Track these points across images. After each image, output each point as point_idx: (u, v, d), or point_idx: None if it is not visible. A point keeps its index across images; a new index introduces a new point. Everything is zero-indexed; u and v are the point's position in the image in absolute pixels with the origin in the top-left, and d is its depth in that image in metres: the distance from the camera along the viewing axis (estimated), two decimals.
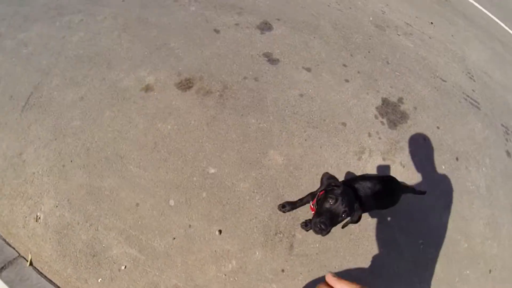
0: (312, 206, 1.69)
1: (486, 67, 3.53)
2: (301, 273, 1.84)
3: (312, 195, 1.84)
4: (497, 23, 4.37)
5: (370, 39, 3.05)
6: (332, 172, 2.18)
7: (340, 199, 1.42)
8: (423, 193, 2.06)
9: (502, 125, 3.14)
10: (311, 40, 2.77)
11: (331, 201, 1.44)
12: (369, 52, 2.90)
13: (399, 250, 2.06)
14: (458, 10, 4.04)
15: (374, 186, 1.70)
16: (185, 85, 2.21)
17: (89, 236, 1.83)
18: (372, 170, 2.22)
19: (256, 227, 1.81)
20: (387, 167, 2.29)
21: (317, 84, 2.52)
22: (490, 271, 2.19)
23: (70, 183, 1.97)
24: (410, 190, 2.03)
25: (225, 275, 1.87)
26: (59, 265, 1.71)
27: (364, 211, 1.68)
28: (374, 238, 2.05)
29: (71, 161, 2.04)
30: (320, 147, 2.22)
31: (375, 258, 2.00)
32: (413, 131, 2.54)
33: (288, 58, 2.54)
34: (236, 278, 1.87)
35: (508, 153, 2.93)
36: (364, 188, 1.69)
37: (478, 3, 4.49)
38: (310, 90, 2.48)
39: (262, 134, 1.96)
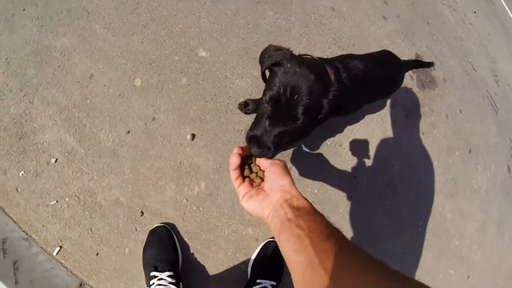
0: None
1: (511, 80, 2.96)
2: None
3: None
4: None
5: None
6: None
7: (287, 91, 0.64)
8: (431, 64, 1.54)
9: (510, 140, 2.57)
10: None
11: (269, 97, 0.66)
12: (412, 3, 2.22)
13: (400, 226, 1.52)
14: (498, 16, 3.57)
15: (366, 67, 0.96)
16: None
17: (20, 110, 1.14)
18: (393, 123, 1.63)
19: (243, 142, 0.94)
20: (407, 127, 1.71)
21: (353, 6, 1.85)
22: (468, 277, 1.74)
23: (15, 37, 1.22)
24: (414, 63, 1.49)
25: (187, 200, 1.18)
26: None
27: (349, 111, 1.01)
28: (381, 202, 1.47)
29: (24, 9, 1.25)
30: None
31: (375, 227, 1.44)
32: (438, 102, 1.94)
33: None
34: (200, 209, 1.18)
35: (509, 168, 2.38)
36: (351, 68, 0.90)
37: None
38: (344, 9, 1.80)
39: (278, 31, 1.18)
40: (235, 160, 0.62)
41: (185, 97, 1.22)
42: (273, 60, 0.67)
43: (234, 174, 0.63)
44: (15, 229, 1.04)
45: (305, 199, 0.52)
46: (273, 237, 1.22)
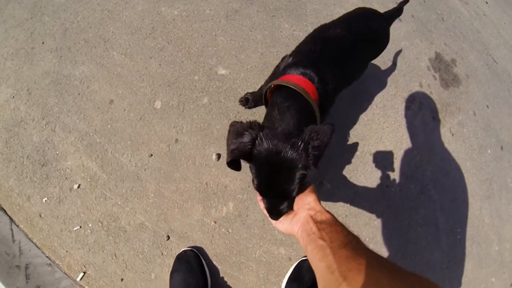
0: None
1: None
2: None
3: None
4: None
5: None
6: (378, 114, 1.32)
7: (268, 181, 0.67)
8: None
9: None
10: None
11: (256, 189, 0.70)
12: (424, 1, 2.16)
13: (437, 234, 1.42)
14: (510, 3, 3.29)
15: (343, 41, 0.89)
16: None
17: (42, 138, 1.14)
18: (421, 126, 1.56)
19: None
20: (436, 128, 1.63)
21: None
22: (511, 285, 1.59)
23: (35, 69, 1.25)
24: (395, 12, 1.21)
25: (215, 222, 1.13)
26: (1, 173, 1.10)
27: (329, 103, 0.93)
28: (415, 211, 1.38)
29: (43, 42, 1.29)
30: (366, 79, 1.51)
31: (411, 238, 1.35)
32: (464, 99, 1.84)
33: None
34: (229, 230, 1.14)
35: None
36: (330, 60, 0.86)
37: None
38: None
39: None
40: None
41: (207, 117, 1.19)
42: (239, 152, 0.65)
43: (262, 203, 0.71)
44: (39, 254, 1.02)
45: (328, 212, 0.59)
46: (305, 256, 1.15)
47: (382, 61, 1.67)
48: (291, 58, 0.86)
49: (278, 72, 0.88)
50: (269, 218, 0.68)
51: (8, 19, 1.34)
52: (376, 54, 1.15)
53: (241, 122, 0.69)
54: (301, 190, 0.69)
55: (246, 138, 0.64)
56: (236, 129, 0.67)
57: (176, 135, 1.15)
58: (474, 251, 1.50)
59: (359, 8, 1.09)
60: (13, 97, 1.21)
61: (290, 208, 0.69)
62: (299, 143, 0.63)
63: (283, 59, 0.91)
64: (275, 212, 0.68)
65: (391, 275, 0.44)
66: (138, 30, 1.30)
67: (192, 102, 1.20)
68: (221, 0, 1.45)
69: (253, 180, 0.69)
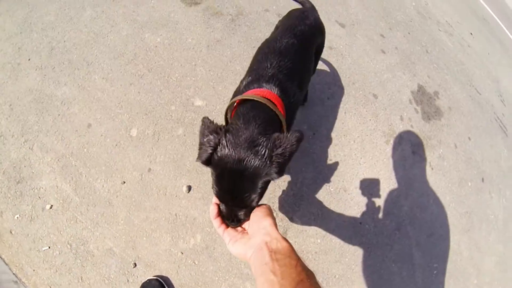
0: None
1: None
2: None
3: None
4: None
5: (411, 21, 2.38)
6: (355, 149, 1.32)
7: (227, 190, 0.64)
8: None
9: None
10: None
11: (215, 194, 0.67)
12: (409, 33, 2.22)
13: (412, 270, 1.39)
14: (495, 34, 3.50)
15: (292, 49, 0.92)
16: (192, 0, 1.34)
17: (20, 155, 1.14)
18: (400, 161, 1.56)
19: None
20: (415, 163, 1.61)
21: (350, 43, 1.85)
22: None
23: (19, 85, 1.26)
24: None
25: (182, 253, 1.12)
26: None
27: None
28: (389, 247, 1.37)
29: (29, 59, 1.31)
30: (345, 113, 1.57)
31: (384, 275, 1.32)
32: (445, 132, 1.85)
33: (321, 6, 1.96)
34: (196, 262, 1.12)
35: None
36: (285, 68, 0.87)
37: None
38: (341, 47, 1.80)
39: None
40: (213, 209, 0.65)
41: (181, 148, 1.18)
42: (204, 157, 0.63)
43: (215, 222, 0.64)
44: (6, 271, 1.00)
45: (285, 240, 0.53)
46: None
47: (362, 94, 1.67)
48: (250, 77, 0.86)
49: (239, 91, 0.86)
50: (227, 245, 0.62)
51: None
52: (322, 45, 1.16)
53: (211, 122, 0.67)
54: (261, 197, 0.65)
55: (209, 142, 0.62)
56: (203, 130, 0.66)
57: (149, 165, 1.14)
58: (451, 285, 1.47)
59: (291, 12, 1.13)
60: None
61: (248, 216, 0.64)
62: (263, 151, 0.61)
63: (241, 81, 0.90)
64: (234, 218, 0.64)
65: None
66: (121, 55, 1.30)
67: (167, 133, 1.19)
68: (204, 29, 1.47)
69: (212, 186, 0.65)
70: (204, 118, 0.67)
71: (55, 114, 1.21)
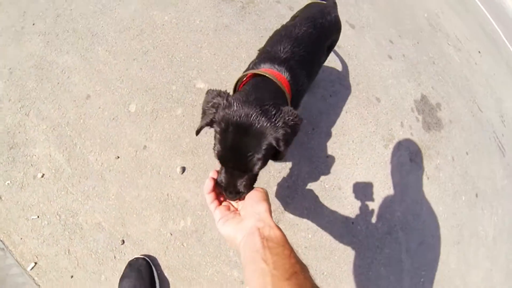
0: None
1: None
2: None
3: None
4: None
5: (421, 32, 2.38)
6: (353, 149, 1.31)
7: (230, 150, 0.61)
8: None
9: None
10: (363, 1, 2.13)
11: (216, 156, 0.63)
12: (417, 43, 2.22)
13: (400, 275, 1.38)
14: (502, 55, 3.52)
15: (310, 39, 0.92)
16: None
17: (15, 121, 1.11)
18: (397, 166, 1.55)
19: None
20: (412, 170, 1.61)
21: (358, 44, 1.83)
22: None
23: (21, 49, 1.21)
24: None
25: (171, 234, 1.10)
26: None
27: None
28: (379, 250, 1.36)
29: (33, 24, 1.26)
30: (346, 112, 1.55)
31: (372, 277, 1.31)
32: (444, 144, 1.85)
33: None
34: (184, 244, 1.09)
35: None
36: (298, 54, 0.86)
37: None
38: (349, 47, 1.78)
39: None
40: (208, 183, 0.62)
41: (178, 128, 1.16)
42: (207, 118, 0.62)
43: (209, 197, 0.61)
44: None
45: (279, 228, 0.49)
46: None
47: (365, 96, 1.66)
48: (262, 56, 0.85)
49: (250, 68, 0.85)
50: (216, 223, 0.58)
51: None
52: (335, 43, 1.17)
53: (215, 90, 0.65)
54: (263, 164, 0.61)
55: (213, 106, 0.61)
56: (206, 98, 0.64)
57: (145, 142, 1.12)
58: None
59: (312, 4, 1.12)
60: None
61: (248, 188, 0.61)
62: (273, 111, 0.59)
63: (253, 60, 0.89)
64: (232, 189, 0.60)
65: None
66: (126, 30, 1.28)
67: (166, 112, 1.18)
68: (214, 13, 1.45)
69: (214, 146, 0.61)
70: (209, 90, 0.65)
71: (55, 82, 1.18)
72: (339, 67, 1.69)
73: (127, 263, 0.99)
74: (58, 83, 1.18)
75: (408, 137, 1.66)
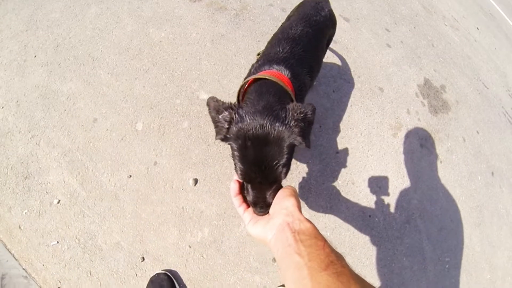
0: None
1: None
2: None
3: None
4: None
5: (416, 16, 2.34)
6: (362, 142, 1.31)
7: (254, 165, 0.60)
8: None
9: None
10: None
11: (240, 177, 0.62)
12: (414, 27, 2.19)
13: (423, 263, 1.36)
14: (501, 29, 3.42)
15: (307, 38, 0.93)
16: None
17: (27, 151, 1.14)
18: (408, 154, 1.52)
19: None
20: (423, 156, 1.58)
21: (355, 37, 1.83)
22: None
23: (26, 81, 1.26)
24: None
25: (190, 246, 1.10)
26: None
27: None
28: (400, 241, 1.34)
29: (35, 56, 1.31)
30: (351, 106, 1.54)
31: (395, 268, 1.29)
32: (453, 125, 1.82)
33: None
34: (204, 256, 1.10)
35: None
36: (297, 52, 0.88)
37: None
38: (346, 40, 1.78)
39: None
40: (234, 187, 0.61)
41: (187, 141, 1.17)
42: (221, 134, 0.61)
43: (236, 200, 0.60)
44: (16, 266, 1.00)
45: (309, 221, 0.48)
46: (282, 285, 1.12)
47: (368, 87, 1.64)
48: (261, 60, 0.86)
49: (250, 74, 0.86)
50: (246, 225, 0.58)
51: (4, 29, 1.35)
52: (332, 37, 1.17)
53: (220, 101, 0.65)
54: (288, 168, 0.61)
55: (224, 118, 0.60)
56: (215, 107, 0.63)
57: (155, 158, 1.13)
58: (464, 280, 1.43)
59: (305, 1, 1.13)
60: (2, 107, 1.21)
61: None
62: (283, 114, 0.59)
63: (252, 65, 0.90)
64: (262, 203, 0.58)
65: None
66: (125, 51, 1.30)
67: (173, 126, 1.19)
68: (209, 24, 1.46)
69: (235, 167, 0.60)
70: (210, 97, 0.64)
71: (61, 109, 1.21)
72: (338, 62, 1.68)
73: (148, 279, 1.00)
74: (65, 110, 1.21)
75: (416, 123, 1.64)
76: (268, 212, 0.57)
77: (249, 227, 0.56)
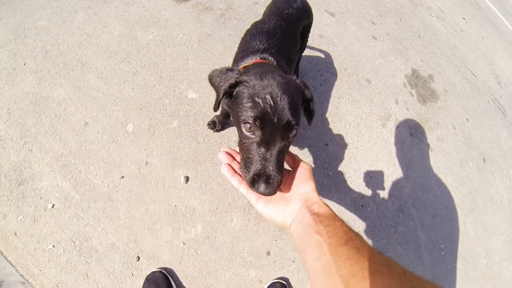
0: None
1: None
2: (293, 261, 0.96)
3: None
4: None
5: (402, 8, 2.37)
6: (351, 133, 1.32)
7: (268, 101, 0.55)
8: None
9: None
10: None
11: (254, 117, 0.55)
12: (400, 20, 2.22)
13: (418, 251, 1.38)
14: (488, 18, 3.42)
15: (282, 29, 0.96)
16: None
17: (20, 158, 1.16)
18: (398, 143, 1.55)
19: None
20: (414, 145, 1.60)
21: (340, 31, 1.84)
22: None
23: (16, 89, 1.28)
24: None
25: (184, 243, 1.12)
26: None
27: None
28: (393, 229, 1.36)
29: (24, 64, 1.33)
30: (338, 98, 1.56)
31: (391, 257, 1.12)
32: (442, 114, 1.84)
33: None
34: (198, 252, 1.12)
35: None
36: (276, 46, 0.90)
37: (508, 21, 3.96)
38: (332, 35, 1.79)
39: None
40: (226, 169, 0.57)
41: (177, 140, 1.18)
42: (231, 80, 0.59)
43: (234, 180, 0.56)
44: (12, 272, 1.00)
45: (326, 205, 0.49)
46: (277, 278, 1.14)
47: (355, 79, 1.65)
48: (241, 54, 0.87)
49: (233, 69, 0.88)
50: (255, 205, 0.54)
51: None
52: (309, 26, 1.20)
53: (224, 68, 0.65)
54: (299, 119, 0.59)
55: (229, 76, 0.60)
56: (222, 69, 0.63)
57: (147, 158, 1.14)
58: (460, 266, 1.44)
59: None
60: None
61: (279, 183, 0.54)
62: (293, 75, 0.62)
63: (232, 64, 0.92)
64: (274, 166, 0.53)
65: (403, 284, 0.36)
66: (114, 54, 1.31)
67: (162, 126, 1.20)
68: (195, 25, 1.48)
69: (245, 107, 0.55)
70: (213, 70, 0.66)
71: (52, 115, 1.22)
72: (324, 56, 1.69)
73: (144, 278, 1.00)
74: (56, 115, 1.22)
75: (404, 113, 1.65)
76: (274, 193, 0.53)
77: (259, 206, 0.53)
